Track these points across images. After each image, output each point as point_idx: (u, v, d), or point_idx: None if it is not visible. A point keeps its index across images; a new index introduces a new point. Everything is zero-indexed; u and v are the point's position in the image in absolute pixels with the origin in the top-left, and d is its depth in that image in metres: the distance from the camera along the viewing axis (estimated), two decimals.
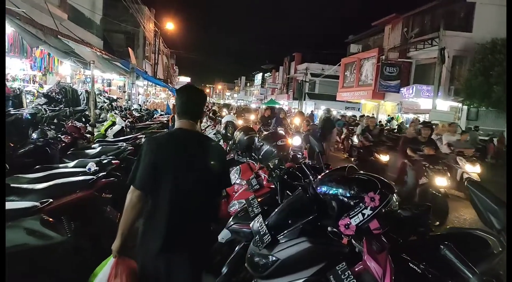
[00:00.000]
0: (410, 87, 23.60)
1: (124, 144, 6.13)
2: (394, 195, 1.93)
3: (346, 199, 1.95)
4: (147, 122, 11.44)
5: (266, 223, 2.36)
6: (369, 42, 32.07)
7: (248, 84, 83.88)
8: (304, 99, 40.87)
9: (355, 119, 16.01)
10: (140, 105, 16.99)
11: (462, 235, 2.26)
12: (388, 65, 25.72)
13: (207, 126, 11.40)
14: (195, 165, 2.22)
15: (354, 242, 1.92)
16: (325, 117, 12.44)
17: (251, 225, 2.56)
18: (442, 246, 1.73)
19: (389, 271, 1.78)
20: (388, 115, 25.57)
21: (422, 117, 23.04)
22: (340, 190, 1.99)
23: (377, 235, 1.87)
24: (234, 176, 4.29)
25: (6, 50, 8.23)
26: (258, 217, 2.53)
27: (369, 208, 1.85)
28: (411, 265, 1.90)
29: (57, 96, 10.20)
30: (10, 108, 7.47)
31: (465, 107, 20.60)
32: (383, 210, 1.86)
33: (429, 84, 22.20)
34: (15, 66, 10.57)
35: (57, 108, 9.00)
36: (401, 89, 24.59)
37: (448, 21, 21.29)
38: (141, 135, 7.54)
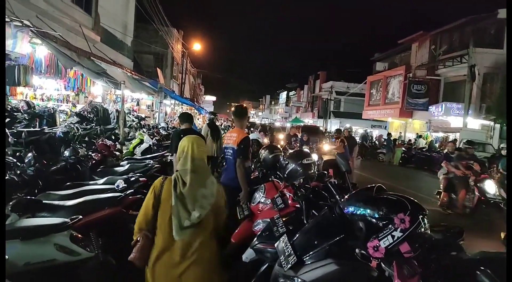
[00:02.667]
0: (439, 105, 23.09)
1: (151, 162, 6.24)
2: (425, 216, 1.86)
3: (374, 220, 1.88)
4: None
5: (292, 243, 2.32)
6: (396, 60, 31.77)
7: (272, 102, 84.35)
8: (329, 118, 40.63)
9: (463, 148, 9.32)
10: (167, 123, 17.32)
11: (498, 260, 2.14)
12: (415, 83, 25.31)
13: None
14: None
15: (383, 265, 1.85)
16: (348, 135, 12.23)
17: (276, 245, 2.52)
18: (478, 272, 1.65)
19: None
20: (417, 133, 25.02)
21: (452, 136, 22.40)
22: (368, 211, 1.93)
23: (408, 259, 1.80)
24: (258, 195, 4.26)
25: (43, 71, 8.66)
26: (283, 236, 2.49)
27: (399, 230, 1.79)
28: None
29: (89, 115, 10.56)
30: (45, 127, 7.79)
31: (498, 125, 19.88)
32: (414, 232, 1.79)
33: (459, 102, 21.66)
34: (50, 87, 11.07)
35: (88, 127, 9.31)
36: (429, 107, 24.08)
37: (477, 37, 20.90)
38: (168, 153, 7.66)
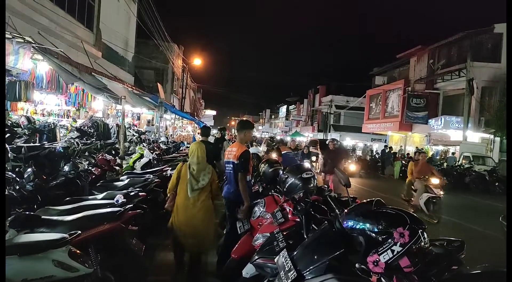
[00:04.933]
0: (439, 118, 23.17)
1: (151, 176, 6.23)
2: (424, 230, 1.85)
3: (374, 234, 1.87)
4: (173, 154, 11.61)
5: (292, 258, 2.30)
6: (394, 74, 32.01)
7: (272, 116, 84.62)
8: (329, 131, 40.69)
9: None
10: (167, 138, 17.33)
11: (500, 274, 2.12)
12: (414, 96, 25.47)
13: None
14: (207, 150, 4.68)
15: (384, 280, 1.83)
16: (333, 148, 11.93)
17: (276, 260, 2.50)
18: None
19: None
20: (416, 147, 25.02)
21: (452, 149, 22.40)
22: (368, 225, 1.92)
23: (408, 273, 1.79)
24: (258, 209, 4.25)
25: (44, 86, 8.72)
26: (283, 251, 2.47)
27: (398, 244, 1.77)
28: None
29: (89, 130, 10.58)
30: (45, 142, 7.80)
31: (497, 138, 19.92)
32: (414, 247, 1.78)
33: (458, 116, 21.75)
34: (51, 102, 11.13)
35: (88, 141, 9.32)
36: (429, 120, 24.15)
37: (475, 52, 21.12)
38: (168, 168, 7.64)
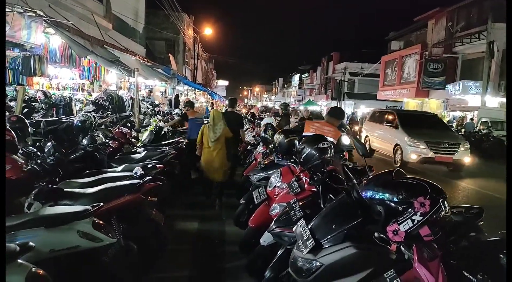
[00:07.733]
0: (457, 83, 22.56)
1: (167, 148, 6.30)
2: (445, 200, 1.84)
3: (393, 204, 1.87)
4: (187, 126, 11.63)
5: (309, 227, 2.33)
6: (411, 38, 30.98)
7: (285, 85, 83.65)
8: (343, 99, 40.14)
9: None
10: (181, 110, 17.30)
11: None
12: (432, 61, 24.72)
13: (246, 129, 11.38)
14: (232, 119, 7.11)
15: (403, 249, 1.85)
16: (283, 113, 11.55)
17: (294, 229, 2.53)
18: (502, 255, 1.63)
19: (441, 280, 1.70)
20: (432, 113, 24.58)
21: (470, 115, 21.93)
22: (387, 195, 1.91)
23: (428, 242, 1.79)
24: (274, 179, 4.28)
25: (57, 60, 8.75)
26: (301, 221, 2.50)
27: (419, 213, 1.77)
28: (466, 274, 1.80)
29: (104, 103, 10.67)
30: (62, 116, 7.91)
31: None
32: (434, 216, 1.77)
33: (477, 80, 21.12)
34: (65, 76, 11.20)
35: (104, 115, 9.42)
36: (447, 86, 23.54)
37: (496, 13, 20.13)
38: (183, 140, 7.70)
